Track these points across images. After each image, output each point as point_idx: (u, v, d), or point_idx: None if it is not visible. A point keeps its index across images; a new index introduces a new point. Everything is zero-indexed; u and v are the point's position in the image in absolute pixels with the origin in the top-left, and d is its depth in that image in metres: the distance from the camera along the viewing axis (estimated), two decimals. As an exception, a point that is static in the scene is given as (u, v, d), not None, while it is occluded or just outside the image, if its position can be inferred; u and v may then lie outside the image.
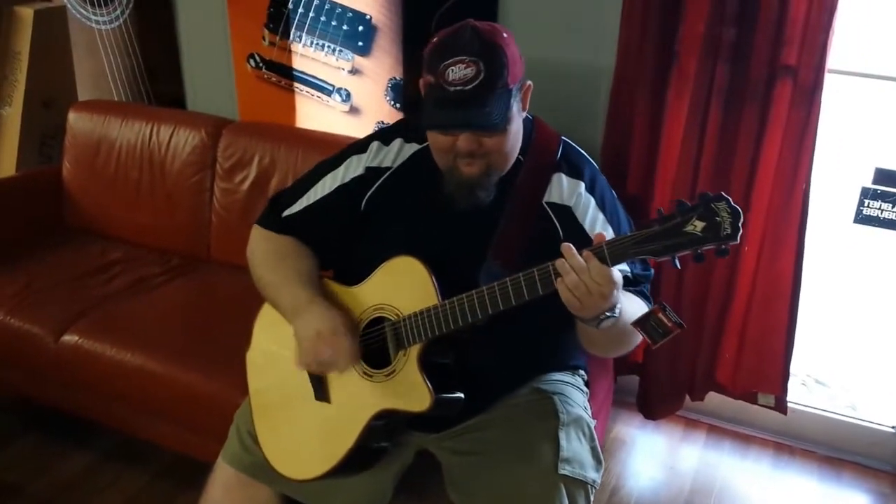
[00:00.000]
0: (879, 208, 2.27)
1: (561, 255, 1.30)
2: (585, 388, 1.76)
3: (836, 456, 2.58)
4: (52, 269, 2.59)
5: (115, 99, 3.10)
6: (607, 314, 1.33)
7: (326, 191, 1.64)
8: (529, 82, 1.52)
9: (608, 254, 1.28)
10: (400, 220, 1.60)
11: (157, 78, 3.06)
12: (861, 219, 2.30)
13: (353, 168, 1.63)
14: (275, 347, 1.68)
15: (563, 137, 1.65)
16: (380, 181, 1.62)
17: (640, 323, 1.34)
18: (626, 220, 1.63)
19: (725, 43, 2.11)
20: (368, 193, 1.62)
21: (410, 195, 1.60)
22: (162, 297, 2.48)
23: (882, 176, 2.25)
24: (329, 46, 2.63)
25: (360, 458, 1.57)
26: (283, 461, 1.62)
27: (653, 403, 2.56)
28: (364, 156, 1.63)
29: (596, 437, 1.64)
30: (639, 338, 1.50)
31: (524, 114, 1.55)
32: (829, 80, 2.07)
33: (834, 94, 2.08)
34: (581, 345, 1.61)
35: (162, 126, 2.76)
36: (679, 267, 1.27)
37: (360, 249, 1.63)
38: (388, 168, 1.62)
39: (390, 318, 1.51)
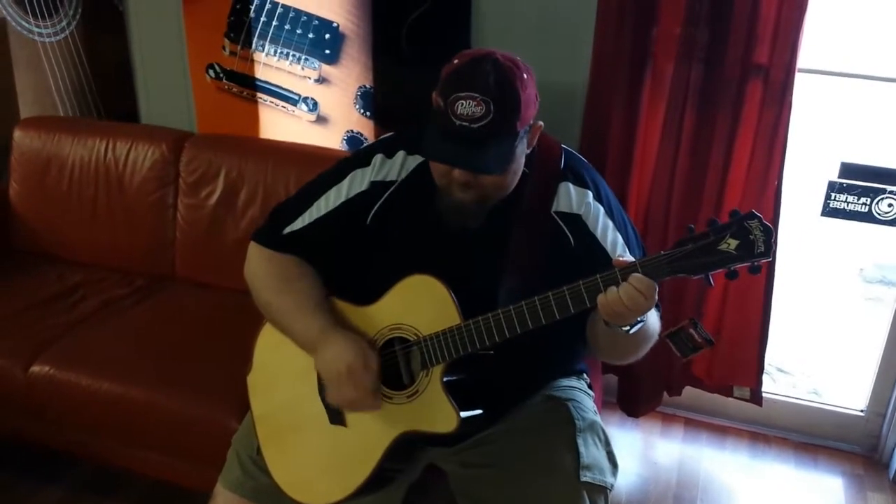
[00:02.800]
0: (845, 201, 2.36)
1: (575, 265, 1.37)
2: (590, 392, 1.77)
3: (810, 442, 2.67)
4: (6, 297, 2.45)
5: (61, 114, 2.97)
6: (639, 319, 1.34)
7: (331, 206, 1.58)
8: (540, 123, 1.49)
9: (642, 272, 1.28)
10: (408, 236, 1.57)
11: (108, 92, 2.94)
12: (828, 211, 2.39)
13: (357, 182, 1.58)
14: (281, 370, 1.63)
15: (562, 145, 1.64)
16: (385, 196, 1.57)
17: (671, 336, 1.38)
18: (632, 227, 1.64)
19: (700, 44, 2.15)
20: (374, 209, 1.57)
21: (417, 210, 1.56)
22: (132, 320, 2.38)
23: (847, 170, 2.34)
24: (294, 55, 2.57)
25: (377, 480, 1.54)
26: (297, 487, 1.57)
27: (634, 401, 2.59)
28: (368, 169, 1.58)
29: (610, 440, 1.65)
30: (651, 343, 1.53)
31: (528, 149, 1.50)
32: (799, 79, 2.13)
33: (802, 92, 2.14)
34: (591, 351, 1.62)
35: (118, 141, 2.66)
36: (713, 284, 1.29)
37: (368, 267, 1.59)
38: (392, 182, 1.58)
39: (409, 338, 1.48)
